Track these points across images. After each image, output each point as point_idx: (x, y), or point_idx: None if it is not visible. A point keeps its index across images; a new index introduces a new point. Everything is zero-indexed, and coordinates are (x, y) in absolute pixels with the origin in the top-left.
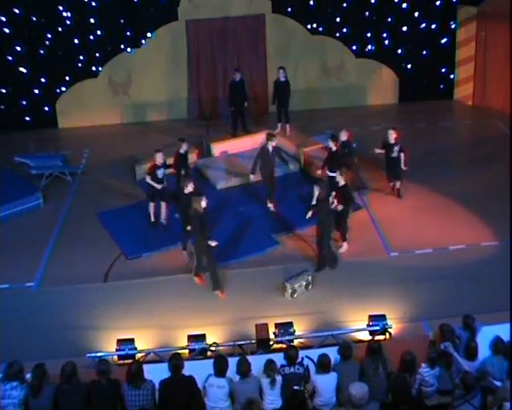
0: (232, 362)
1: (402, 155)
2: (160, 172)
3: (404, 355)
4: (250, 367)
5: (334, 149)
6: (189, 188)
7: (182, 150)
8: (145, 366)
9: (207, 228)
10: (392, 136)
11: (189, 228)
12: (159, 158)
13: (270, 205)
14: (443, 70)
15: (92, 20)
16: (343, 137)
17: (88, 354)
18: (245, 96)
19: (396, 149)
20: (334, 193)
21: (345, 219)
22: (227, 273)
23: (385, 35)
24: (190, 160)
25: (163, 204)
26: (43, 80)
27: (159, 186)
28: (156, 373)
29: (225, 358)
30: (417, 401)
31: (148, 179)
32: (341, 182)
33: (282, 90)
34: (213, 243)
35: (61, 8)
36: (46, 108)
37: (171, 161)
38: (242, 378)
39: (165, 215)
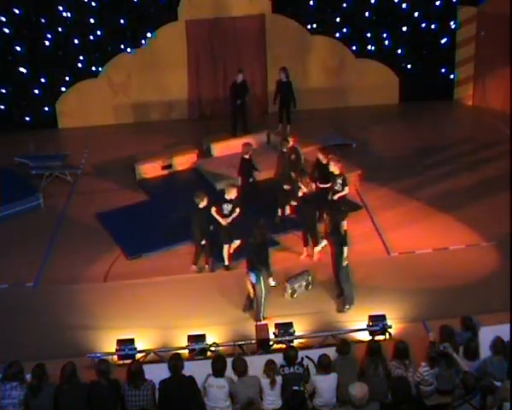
0: (230, 362)
1: (346, 188)
2: (226, 207)
3: (398, 343)
4: (246, 366)
5: (324, 161)
6: (205, 202)
7: (246, 156)
8: (145, 366)
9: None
10: (335, 166)
11: (203, 242)
12: (233, 192)
13: (279, 210)
14: (443, 70)
15: (92, 21)
16: (290, 142)
17: (88, 355)
18: (247, 93)
19: (339, 181)
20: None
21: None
22: (227, 274)
23: (385, 35)
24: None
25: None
26: (43, 80)
27: (223, 222)
28: (156, 373)
29: (223, 358)
30: (417, 401)
31: (213, 211)
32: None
33: (285, 90)
34: (273, 283)
35: (60, 8)
36: (46, 109)
37: (172, 161)
38: (240, 378)
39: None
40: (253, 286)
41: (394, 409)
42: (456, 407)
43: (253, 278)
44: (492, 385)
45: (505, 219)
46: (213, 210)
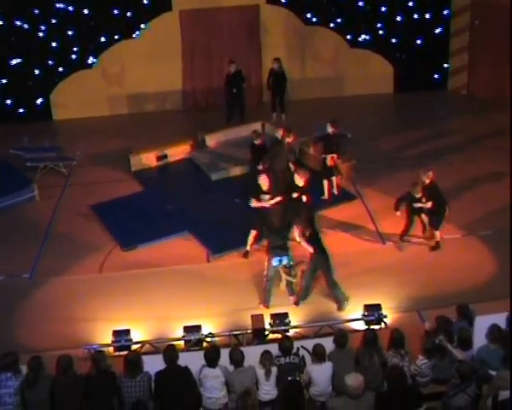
0: (226, 353)
1: (429, 203)
2: (263, 198)
3: (393, 333)
4: (243, 355)
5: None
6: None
7: (256, 142)
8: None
9: None
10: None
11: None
12: (262, 180)
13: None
14: (437, 60)
15: (86, 11)
16: (279, 133)
17: (84, 346)
18: (243, 81)
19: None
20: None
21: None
22: (223, 264)
23: (379, 25)
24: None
25: None
26: (37, 72)
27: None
28: (152, 364)
29: (215, 348)
30: (413, 390)
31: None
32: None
33: (277, 80)
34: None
35: None
36: (40, 100)
37: (167, 152)
38: (237, 368)
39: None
40: (288, 270)
41: (390, 398)
42: (452, 395)
43: (285, 260)
44: (488, 374)
45: (500, 209)
46: (254, 202)
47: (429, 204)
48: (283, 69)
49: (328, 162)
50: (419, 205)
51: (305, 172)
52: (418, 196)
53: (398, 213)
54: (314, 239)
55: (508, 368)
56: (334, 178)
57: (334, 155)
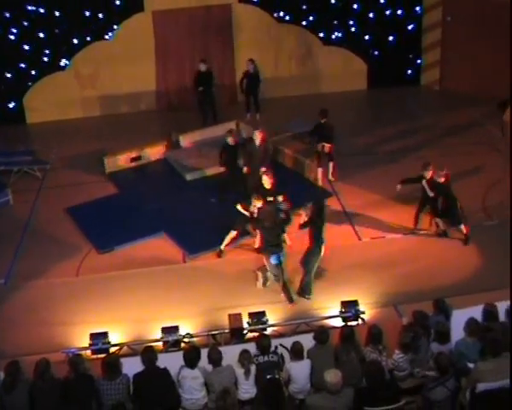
0: (204, 353)
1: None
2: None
3: (371, 329)
4: (221, 355)
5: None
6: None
7: (229, 141)
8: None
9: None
10: (428, 176)
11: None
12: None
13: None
14: (410, 56)
15: (57, 13)
16: (258, 138)
17: (62, 350)
18: (213, 82)
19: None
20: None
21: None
22: (199, 265)
23: (351, 22)
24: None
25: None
26: (9, 75)
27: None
28: (130, 366)
29: (196, 349)
30: (392, 385)
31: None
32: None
33: (252, 81)
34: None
35: (25, 2)
36: (13, 104)
37: (141, 153)
38: (215, 367)
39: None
40: (277, 267)
41: (369, 394)
42: (431, 389)
43: (282, 257)
44: (466, 367)
45: (476, 203)
46: (239, 206)
47: (432, 193)
48: (258, 71)
49: (323, 149)
50: (424, 184)
51: (271, 175)
52: (428, 177)
53: (399, 187)
54: (317, 228)
55: (485, 360)
56: (331, 164)
57: (328, 144)
